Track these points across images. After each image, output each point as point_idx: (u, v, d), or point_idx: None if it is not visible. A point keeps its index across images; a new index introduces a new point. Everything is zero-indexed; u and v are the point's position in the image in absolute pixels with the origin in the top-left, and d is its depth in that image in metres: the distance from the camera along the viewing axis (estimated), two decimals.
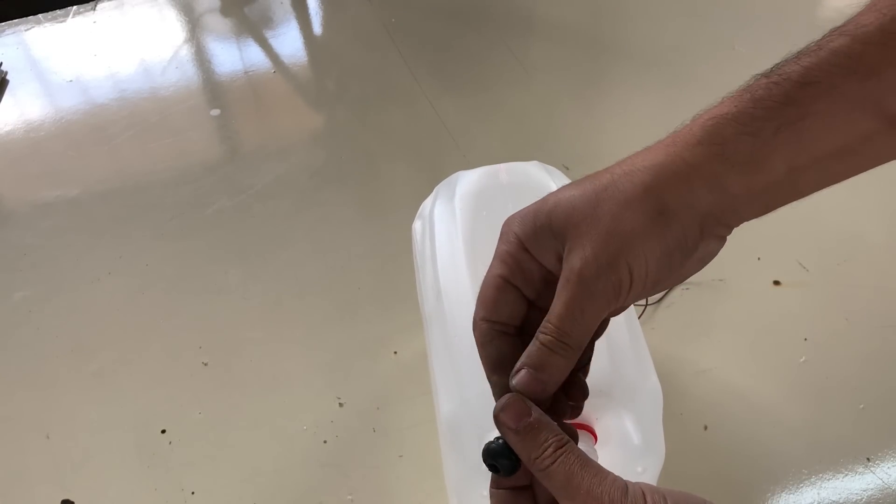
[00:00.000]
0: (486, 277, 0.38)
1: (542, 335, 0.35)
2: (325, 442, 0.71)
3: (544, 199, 0.37)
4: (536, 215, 0.37)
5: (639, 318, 0.74)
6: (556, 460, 0.33)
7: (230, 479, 0.69)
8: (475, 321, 0.39)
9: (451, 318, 0.55)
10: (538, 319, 0.36)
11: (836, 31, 0.35)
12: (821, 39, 0.35)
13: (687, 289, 0.80)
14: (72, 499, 0.69)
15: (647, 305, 0.79)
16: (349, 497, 0.67)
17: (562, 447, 0.33)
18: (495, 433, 0.36)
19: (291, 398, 0.75)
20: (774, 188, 0.36)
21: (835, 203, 0.90)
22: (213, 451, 0.72)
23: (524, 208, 0.38)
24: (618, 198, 0.35)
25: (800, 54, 0.35)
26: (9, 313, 0.86)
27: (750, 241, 0.85)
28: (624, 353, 0.52)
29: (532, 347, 0.36)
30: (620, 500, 0.31)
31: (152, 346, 0.81)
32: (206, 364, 0.79)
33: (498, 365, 0.38)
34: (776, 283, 0.82)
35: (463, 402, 0.51)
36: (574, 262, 0.35)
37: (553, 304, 0.35)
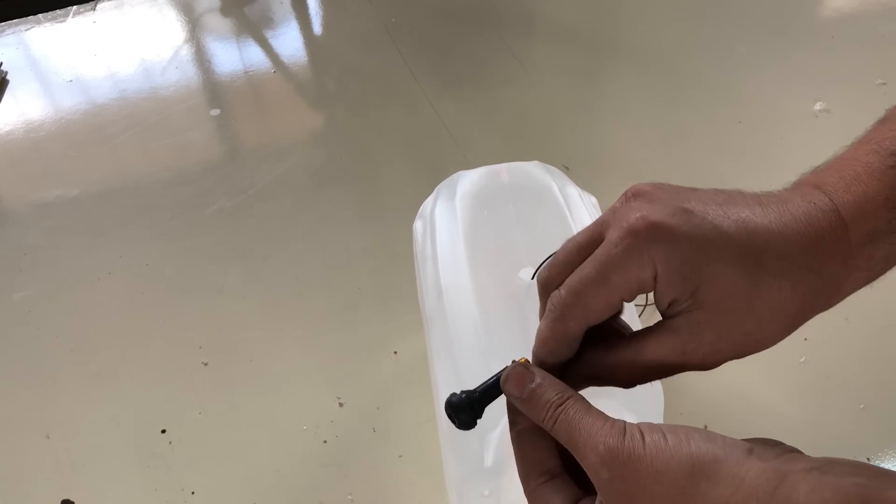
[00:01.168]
0: (599, 278, 0.34)
1: (619, 370, 0.36)
2: (325, 442, 0.71)
3: (703, 237, 0.33)
4: (686, 263, 0.33)
5: (639, 317, 0.74)
6: (557, 418, 0.33)
7: (230, 479, 0.69)
8: (567, 328, 0.35)
9: (451, 317, 0.55)
10: None
11: None
12: None
13: None
14: (72, 499, 0.69)
15: (646, 305, 0.79)
16: (349, 497, 0.67)
17: (561, 404, 0.33)
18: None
19: (291, 398, 0.75)
20: (877, 278, 0.36)
21: None
22: (213, 451, 0.72)
23: (672, 220, 0.33)
24: (774, 298, 0.33)
25: None
26: (9, 313, 0.86)
27: None
28: None
29: (604, 369, 0.36)
30: (618, 440, 0.31)
31: (152, 347, 0.81)
32: (206, 364, 0.79)
33: (563, 356, 0.37)
34: None
35: None
36: (703, 345, 0.34)
37: (655, 349, 0.35)
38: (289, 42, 1.28)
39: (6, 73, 1.20)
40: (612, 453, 0.31)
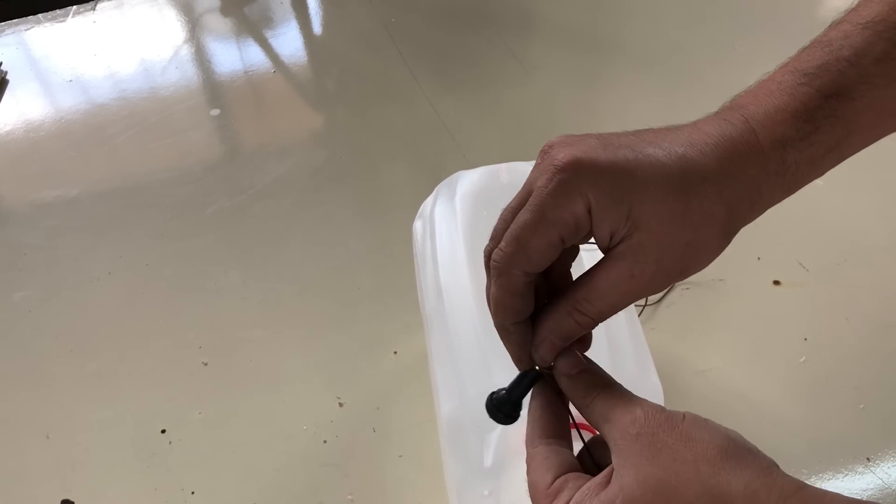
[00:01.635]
0: (534, 224, 0.35)
1: (577, 313, 0.37)
2: (325, 442, 0.71)
3: (626, 162, 0.34)
4: (618, 183, 0.34)
5: (639, 317, 0.74)
6: (598, 395, 0.36)
7: (230, 479, 0.69)
8: (510, 268, 0.36)
9: (451, 317, 0.55)
10: None
11: (871, 32, 0.36)
12: (861, 42, 0.36)
13: (687, 289, 0.80)
14: (72, 499, 0.69)
15: (646, 305, 0.79)
16: (349, 497, 0.67)
17: (609, 385, 0.36)
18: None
19: (291, 398, 0.75)
20: (795, 186, 0.38)
21: (835, 203, 0.90)
22: (213, 451, 0.72)
23: (592, 155, 0.34)
24: (705, 208, 0.35)
25: (842, 62, 0.35)
26: (9, 313, 0.86)
27: (750, 241, 0.85)
28: (624, 352, 0.53)
29: (562, 320, 0.37)
30: (656, 408, 0.33)
31: (152, 346, 0.81)
32: (206, 364, 0.79)
33: (521, 313, 0.38)
34: (776, 283, 0.82)
35: (463, 402, 0.52)
36: (642, 266, 0.35)
37: (599, 292, 0.36)
38: (289, 42, 1.28)
39: (6, 73, 1.20)
40: (648, 416, 0.33)
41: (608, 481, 0.32)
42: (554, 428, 0.38)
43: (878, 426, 0.69)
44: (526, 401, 0.40)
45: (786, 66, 0.38)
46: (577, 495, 0.33)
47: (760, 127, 0.36)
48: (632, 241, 0.35)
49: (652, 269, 0.35)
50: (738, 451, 0.31)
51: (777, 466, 0.31)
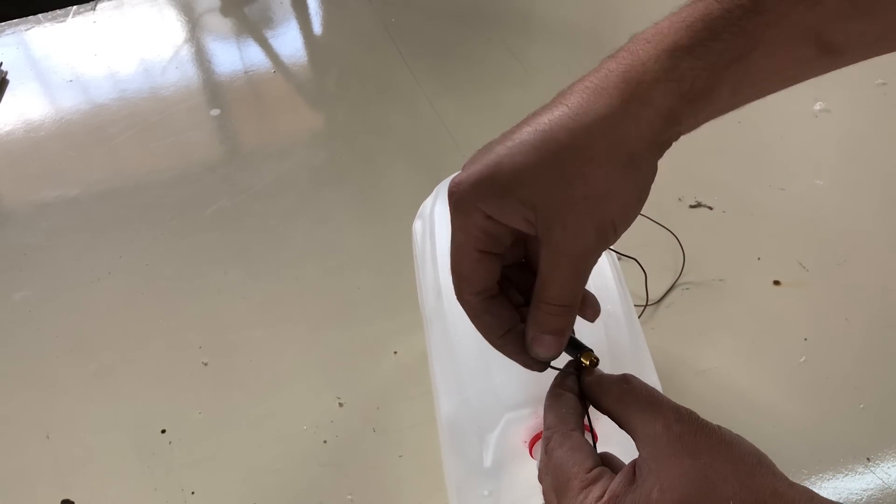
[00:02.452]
0: (456, 251, 0.38)
1: (543, 304, 0.37)
2: (325, 442, 0.71)
3: (495, 165, 0.35)
4: (494, 185, 0.35)
5: (639, 317, 0.74)
6: (627, 390, 0.37)
7: (230, 479, 0.69)
8: (462, 297, 0.39)
9: (451, 317, 0.55)
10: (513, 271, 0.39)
11: None
12: None
13: (687, 289, 0.80)
14: (72, 499, 0.69)
15: (646, 305, 0.79)
16: (349, 497, 0.67)
17: (634, 380, 0.38)
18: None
19: (291, 398, 0.75)
20: (711, 110, 0.36)
21: (835, 203, 0.90)
22: (213, 451, 0.72)
23: (470, 172, 0.36)
24: (583, 156, 0.34)
25: None
26: (9, 313, 0.86)
27: (750, 241, 0.85)
28: (624, 353, 0.52)
29: (537, 314, 0.37)
30: (694, 415, 0.34)
31: (152, 346, 0.81)
32: (206, 364, 0.79)
33: (498, 328, 0.40)
34: (776, 283, 0.82)
35: (463, 402, 0.52)
36: (558, 238, 0.35)
37: (547, 279, 0.36)
38: (289, 42, 1.28)
39: (6, 73, 1.20)
40: (690, 418, 0.34)
41: (634, 474, 0.33)
42: (581, 420, 0.39)
43: (878, 426, 0.69)
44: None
45: None
46: (612, 485, 0.33)
47: (644, 43, 0.35)
48: (539, 223, 0.35)
49: (563, 237, 0.35)
50: (768, 464, 0.33)
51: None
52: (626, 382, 0.37)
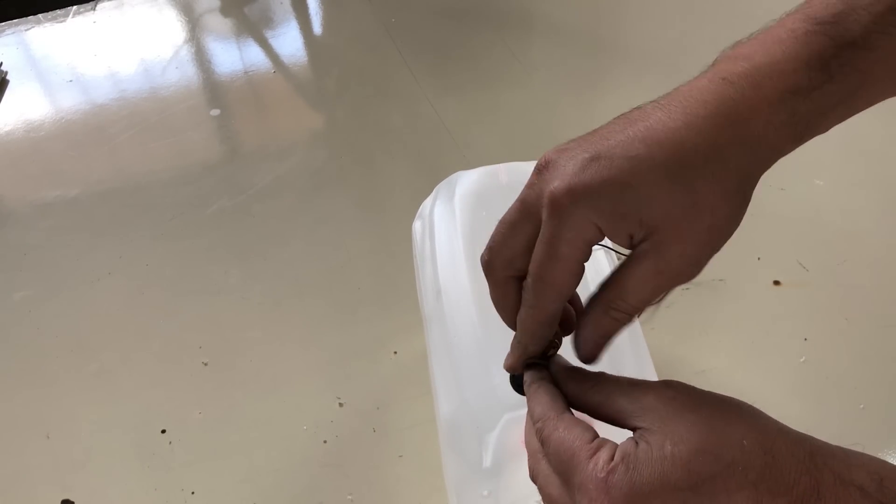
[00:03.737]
0: (557, 261, 0.35)
1: (614, 311, 0.37)
2: (325, 442, 0.71)
3: (612, 182, 0.33)
4: (615, 202, 0.34)
5: (639, 317, 0.74)
6: (599, 381, 0.37)
7: (230, 479, 0.69)
8: (545, 306, 0.37)
9: (451, 318, 0.55)
10: None
11: None
12: None
13: (687, 289, 0.80)
14: (72, 499, 0.69)
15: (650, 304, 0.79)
16: (349, 497, 0.67)
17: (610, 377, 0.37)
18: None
19: (291, 398, 0.75)
20: (809, 138, 0.36)
21: (835, 203, 0.90)
22: (213, 451, 0.72)
23: (583, 178, 0.34)
24: (715, 189, 0.34)
25: (858, 10, 0.34)
26: (9, 313, 0.86)
27: (750, 241, 0.85)
28: (624, 353, 0.53)
29: (602, 319, 0.37)
30: (689, 386, 0.35)
31: (152, 346, 0.81)
32: (206, 364, 0.79)
33: (546, 336, 0.40)
34: (776, 283, 0.82)
35: (463, 402, 0.52)
36: (673, 258, 0.35)
37: (633, 286, 0.36)
38: (289, 42, 1.28)
39: (6, 73, 1.20)
40: (679, 384, 0.34)
41: (635, 444, 0.33)
42: (568, 406, 0.38)
43: (878, 426, 0.69)
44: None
45: (796, 12, 0.36)
46: (621, 446, 0.33)
47: (768, 79, 0.34)
48: (652, 240, 0.34)
49: (677, 262, 0.35)
50: (763, 413, 0.34)
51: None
52: (587, 378, 0.38)
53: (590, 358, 0.39)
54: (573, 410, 0.38)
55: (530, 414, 0.38)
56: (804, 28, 0.35)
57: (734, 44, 0.38)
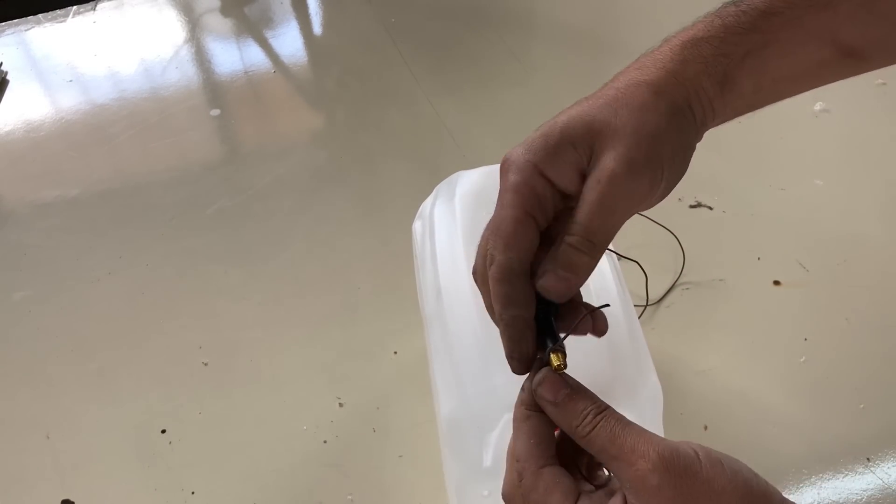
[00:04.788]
0: (501, 213, 0.37)
1: (569, 237, 0.37)
2: (325, 442, 0.71)
3: (549, 124, 0.38)
4: (547, 137, 0.37)
5: (639, 318, 0.74)
6: (596, 425, 0.34)
7: (230, 479, 0.69)
8: (496, 259, 0.37)
9: (451, 318, 0.55)
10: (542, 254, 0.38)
11: None
12: None
13: (687, 289, 0.80)
14: (72, 499, 0.69)
15: (647, 305, 0.79)
16: (349, 497, 0.67)
17: (601, 412, 0.34)
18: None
19: (291, 398, 0.75)
20: (740, 102, 0.39)
21: (835, 203, 0.90)
22: (213, 451, 0.72)
23: (524, 141, 0.38)
24: (633, 104, 0.37)
25: None
26: (9, 313, 0.86)
27: (750, 241, 0.85)
28: (624, 352, 0.52)
29: (558, 250, 0.37)
30: (672, 452, 0.31)
31: (152, 346, 0.81)
32: (206, 364, 0.79)
33: (510, 303, 0.38)
34: (776, 283, 0.82)
35: (463, 402, 0.52)
36: (607, 162, 0.36)
37: (581, 206, 0.36)
38: (289, 42, 1.28)
39: (6, 73, 1.20)
40: (665, 462, 0.31)
41: None
42: (550, 448, 0.36)
43: (878, 426, 0.69)
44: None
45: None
46: None
47: (674, 36, 0.39)
48: (592, 159, 0.37)
49: (611, 164, 0.36)
50: (757, 500, 0.31)
51: (788, 501, 0.32)
52: (577, 422, 0.35)
53: (547, 292, 0.37)
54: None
55: (511, 453, 0.37)
56: (714, 10, 0.39)
57: None
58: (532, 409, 0.37)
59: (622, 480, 0.32)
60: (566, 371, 0.37)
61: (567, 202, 0.38)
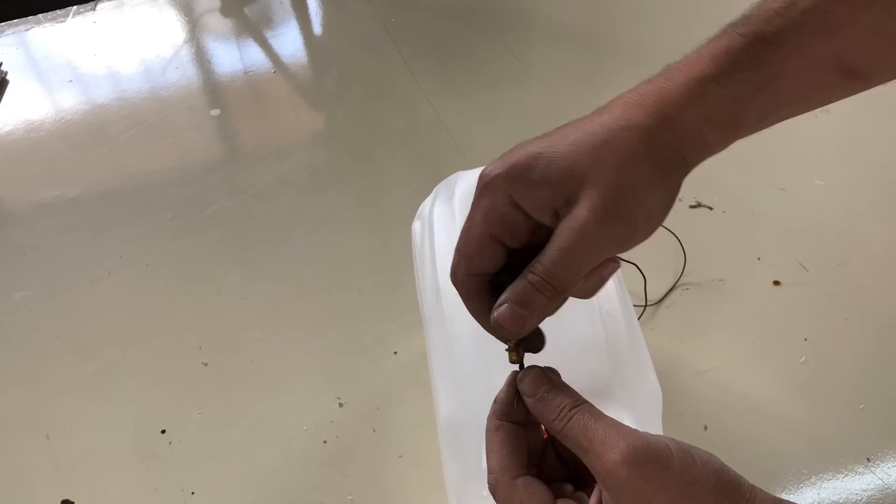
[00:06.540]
0: (468, 232, 0.38)
1: (530, 274, 0.36)
2: (325, 442, 0.71)
3: (533, 155, 0.36)
4: (529, 169, 0.36)
5: (639, 318, 0.74)
6: (570, 419, 0.34)
7: (230, 479, 0.70)
8: (457, 275, 0.39)
9: (450, 318, 0.55)
10: (523, 259, 0.37)
11: None
12: None
13: (687, 289, 0.80)
14: (72, 499, 0.69)
15: (647, 305, 0.79)
16: (349, 497, 0.67)
17: (576, 406, 0.35)
18: None
19: (291, 398, 0.75)
20: (741, 134, 0.39)
21: (835, 203, 0.90)
22: (213, 451, 0.72)
23: (506, 160, 0.37)
24: (621, 151, 0.36)
25: (770, 12, 0.36)
26: (9, 313, 0.86)
27: (750, 241, 0.85)
28: (623, 353, 0.52)
29: (518, 284, 0.37)
30: (644, 443, 0.32)
31: (152, 346, 0.81)
32: (206, 364, 0.79)
33: (476, 313, 0.39)
34: (776, 283, 0.82)
35: (463, 402, 0.52)
36: (581, 211, 0.35)
37: (549, 247, 0.36)
38: (289, 42, 1.28)
39: (6, 73, 1.20)
40: (636, 454, 0.32)
41: None
42: (524, 456, 0.37)
43: (878, 426, 0.70)
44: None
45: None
46: None
47: (678, 71, 0.37)
48: (568, 204, 0.36)
49: (584, 214, 0.35)
50: (726, 489, 0.32)
51: (757, 488, 0.32)
52: (554, 416, 0.35)
53: (501, 328, 0.37)
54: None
55: (487, 456, 0.37)
56: (717, 33, 0.38)
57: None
58: (503, 418, 0.38)
59: (595, 473, 0.33)
60: (558, 371, 0.38)
61: (543, 227, 0.37)
